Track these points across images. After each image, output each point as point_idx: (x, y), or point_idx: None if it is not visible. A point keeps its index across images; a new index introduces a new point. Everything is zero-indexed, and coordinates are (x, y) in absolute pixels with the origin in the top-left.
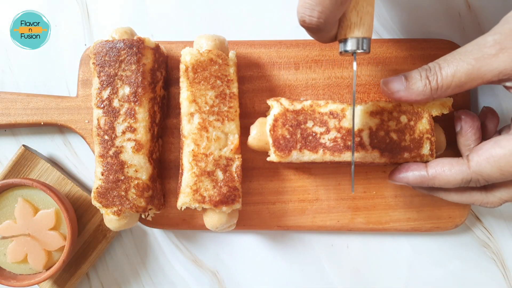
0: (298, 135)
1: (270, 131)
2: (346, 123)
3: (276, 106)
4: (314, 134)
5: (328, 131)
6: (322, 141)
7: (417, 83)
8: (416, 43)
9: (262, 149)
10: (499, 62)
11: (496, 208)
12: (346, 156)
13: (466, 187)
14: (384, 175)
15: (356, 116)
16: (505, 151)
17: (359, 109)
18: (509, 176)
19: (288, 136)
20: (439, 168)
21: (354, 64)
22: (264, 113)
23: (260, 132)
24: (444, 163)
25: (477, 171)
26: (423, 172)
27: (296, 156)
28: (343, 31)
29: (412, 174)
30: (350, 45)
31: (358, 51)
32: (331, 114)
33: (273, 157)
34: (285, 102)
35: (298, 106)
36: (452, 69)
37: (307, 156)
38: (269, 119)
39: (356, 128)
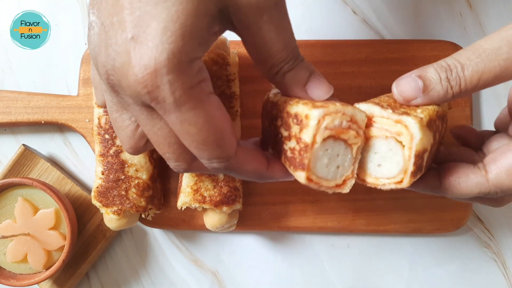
0: (273, 130)
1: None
2: (306, 136)
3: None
4: (280, 136)
5: (289, 137)
6: (285, 147)
7: (437, 88)
8: (419, 44)
9: None
10: None
11: (498, 208)
12: (297, 177)
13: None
14: None
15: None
16: None
17: (414, 123)
18: None
19: (268, 128)
20: (454, 179)
21: None
22: None
23: None
24: (460, 172)
25: (497, 184)
26: (435, 183)
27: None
28: None
29: (425, 185)
30: None
31: None
32: (295, 117)
33: None
34: (274, 90)
35: (277, 97)
36: (479, 70)
37: None
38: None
39: (421, 148)
